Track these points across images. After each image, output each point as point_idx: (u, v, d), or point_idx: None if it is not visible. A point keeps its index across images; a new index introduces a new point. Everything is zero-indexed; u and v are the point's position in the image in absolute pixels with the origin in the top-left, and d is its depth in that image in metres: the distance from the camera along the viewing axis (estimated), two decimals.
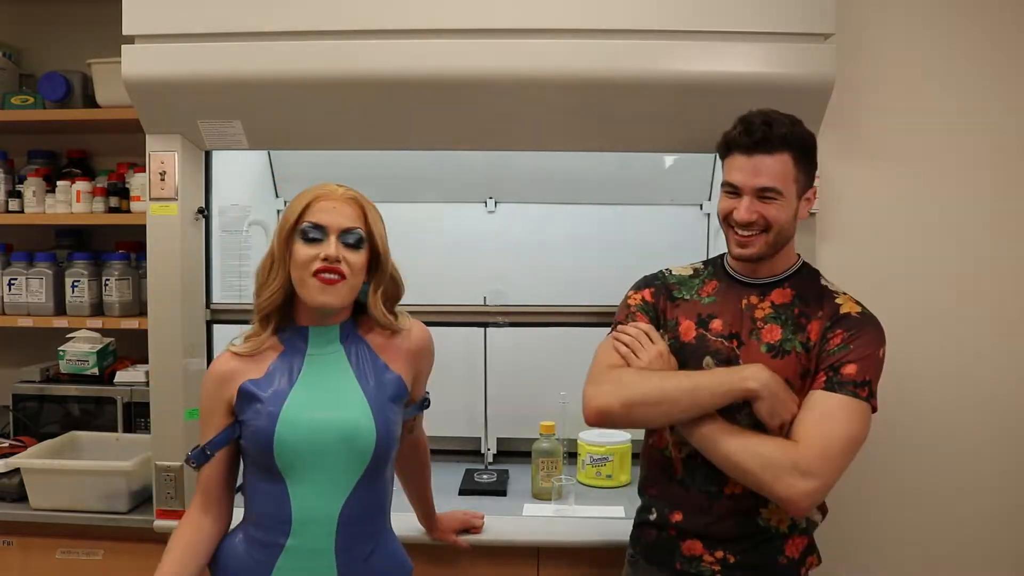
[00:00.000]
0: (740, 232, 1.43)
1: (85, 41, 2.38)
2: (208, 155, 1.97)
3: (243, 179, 2.23)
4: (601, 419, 1.44)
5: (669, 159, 2.25)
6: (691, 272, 1.59)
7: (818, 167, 1.49)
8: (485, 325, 2.15)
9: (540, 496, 2.05)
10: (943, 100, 1.91)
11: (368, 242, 1.39)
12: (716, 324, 1.48)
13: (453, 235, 2.39)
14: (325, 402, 1.38)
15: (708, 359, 1.46)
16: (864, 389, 1.37)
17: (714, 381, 1.38)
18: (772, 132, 1.39)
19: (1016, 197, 1.92)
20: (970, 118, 1.91)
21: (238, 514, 1.45)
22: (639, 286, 1.59)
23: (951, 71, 1.91)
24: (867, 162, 1.91)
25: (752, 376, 1.36)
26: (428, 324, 1.54)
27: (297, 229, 1.36)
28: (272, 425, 1.34)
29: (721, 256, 1.58)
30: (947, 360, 1.95)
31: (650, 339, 1.47)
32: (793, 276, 1.50)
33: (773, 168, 1.40)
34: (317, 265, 1.34)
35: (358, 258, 1.37)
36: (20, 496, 2.01)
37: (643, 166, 2.23)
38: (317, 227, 1.35)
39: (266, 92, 1.78)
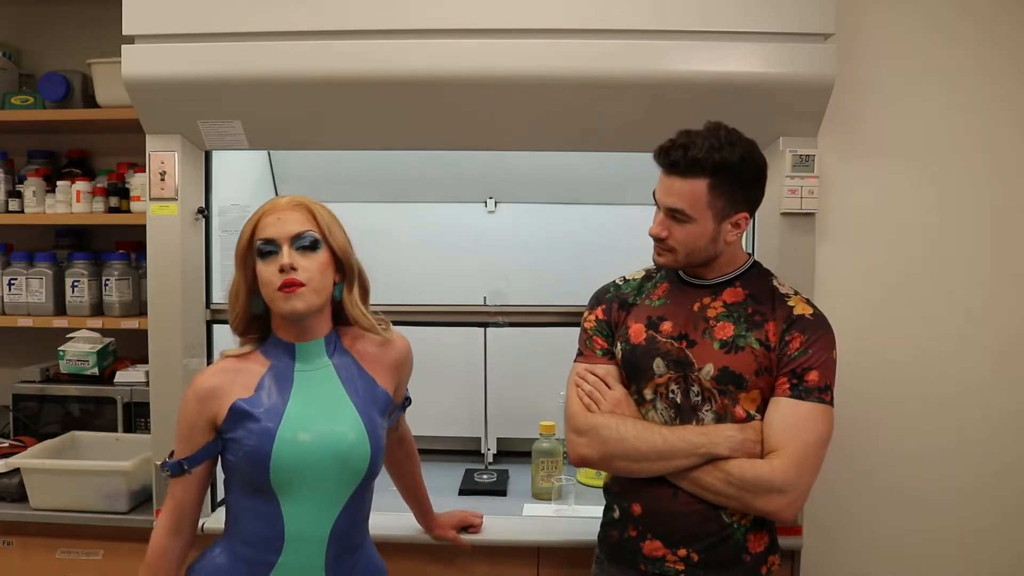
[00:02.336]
0: (654, 243, 1.49)
1: (85, 41, 2.39)
2: (208, 155, 1.96)
3: (243, 179, 2.23)
4: (584, 466, 1.58)
5: None
6: (643, 275, 1.62)
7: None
8: (485, 325, 2.15)
9: (540, 496, 2.06)
10: (943, 100, 1.91)
11: (325, 243, 1.37)
12: (666, 326, 1.50)
13: (453, 235, 2.39)
14: (320, 419, 1.36)
15: (659, 360, 1.48)
16: (827, 393, 1.42)
17: (687, 447, 1.42)
18: (686, 156, 1.40)
19: (1016, 197, 1.92)
20: (970, 118, 1.91)
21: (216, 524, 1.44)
22: (591, 304, 1.62)
23: (951, 71, 1.91)
24: (867, 162, 1.91)
25: (723, 443, 1.41)
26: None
27: (252, 249, 1.36)
28: (268, 443, 1.31)
29: None
30: (947, 359, 1.95)
31: (608, 385, 1.53)
32: (743, 276, 1.52)
33: (683, 191, 1.42)
34: (278, 280, 1.32)
35: (315, 261, 1.35)
36: (20, 496, 2.01)
37: (643, 166, 2.22)
38: (268, 241, 1.34)
39: (266, 92, 1.78)
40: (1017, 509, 1.95)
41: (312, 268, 1.34)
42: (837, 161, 1.89)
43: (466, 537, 1.80)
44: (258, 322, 1.42)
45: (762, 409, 1.45)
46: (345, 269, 1.40)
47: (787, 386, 1.42)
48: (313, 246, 1.35)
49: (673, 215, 1.44)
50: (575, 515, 1.93)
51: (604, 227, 2.35)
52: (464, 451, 2.37)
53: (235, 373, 1.37)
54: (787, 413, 1.41)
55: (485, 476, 2.18)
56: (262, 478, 1.32)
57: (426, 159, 2.23)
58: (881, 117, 1.91)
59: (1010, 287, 1.93)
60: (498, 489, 2.11)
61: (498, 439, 2.33)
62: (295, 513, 1.34)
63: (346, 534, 1.39)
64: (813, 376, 1.41)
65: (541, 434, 2.09)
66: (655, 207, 1.49)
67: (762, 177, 1.47)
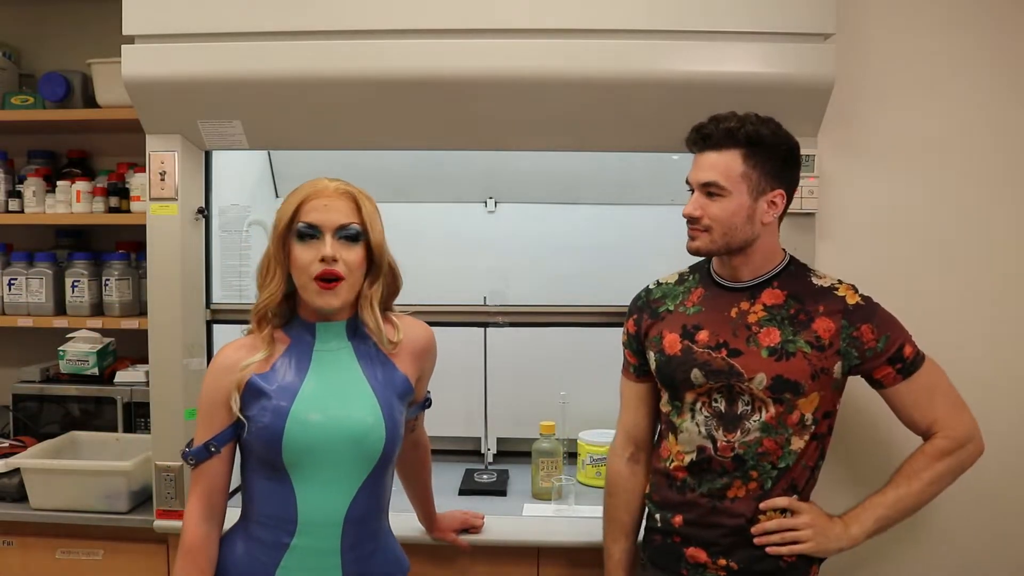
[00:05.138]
0: (688, 226, 1.46)
1: (85, 41, 2.38)
2: (208, 155, 1.96)
3: (243, 179, 2.23)
4: None
5: (669, 159, 2.25)
6: (676, 278, 1.60)
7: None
8: (485, 325, 2.15)
9: (540, 496, 2.05)
10: (944, 99, 1.91)
11: (365, 237, 1.36)
12: (702, 335, 1.47)
13: (453, 235, 2.39)
14: (335, 399, 1.36)
15: (696, 371, 1.46)
16: (918, 349, 1.49)
17: None
18: (718, 128, 1.41)
19: (1016, 196, 1.92)
20: (971, 117, 1.91)
21: (232, 513, 1.44)
22: (627, 314, 1.62)
23: (952, 70, 1.91)
24: (867, 162, 1.91)
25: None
26: (428, 324, 1.54)
27: (292, 229, 1.34)
28: (281, 422, 1.32)
29: (708, 261, 1.57)
30: (947, 360, 1.94)
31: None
32: (781, 274, 1.49)
33: (716, 164, 1.41)
34: (317, 269, 1.32)
35: (356, 254, 1.34)
36: (20, 496, 2.01)
37: (643, 166, 2.23)
38: (311, 227, 1.33)
39: (266, 92, 1.78)
40: (1020, 510, 1.95)
41: (352, 262, 1.34)
42: (837, 161, 1.89)
43: (466, 537, 1.80)
44: (281, 307, 1.40)
45: (819, 411, 1.44)
46: (375, 265, 1.39)
47: (895, 373, 1.45)
48: (355, 238, 1.34)
49: (707, 190, 1.42)
50: (575, 515, 1.93)
51: (604, 227, 2.35)
52: (464, 451, 2.36)
53: (255, 350, 1.37)
54: (915, 392, 1.47)
55: (485, 476, 2.18)
56: (275, 456, 1.32)
57: (426, 159, 2.23)
58: (881, 117, 1.91)
59: (1011, 286, 1.93)
60: (498, 489, 2.11)
61: (498, 439, 2.33)
62: (308, 494, 1.34)
63: (363, 520, 1.38)
64: (908, 350, 1.46)
65: (541, 434, 2.08)
66: (689, 192, 1.48)
67: (795, 156, 1.46)
